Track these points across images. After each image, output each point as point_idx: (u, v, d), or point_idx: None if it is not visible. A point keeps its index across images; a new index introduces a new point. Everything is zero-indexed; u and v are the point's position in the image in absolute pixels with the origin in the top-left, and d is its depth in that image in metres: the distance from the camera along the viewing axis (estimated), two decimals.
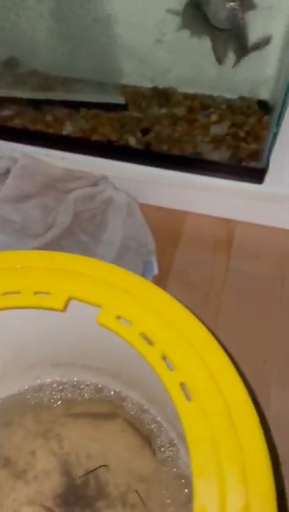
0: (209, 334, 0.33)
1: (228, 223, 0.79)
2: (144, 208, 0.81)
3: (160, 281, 0.73)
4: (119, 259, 0.76)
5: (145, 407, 0.53)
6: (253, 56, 0.70)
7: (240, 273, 0.73)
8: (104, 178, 0.78)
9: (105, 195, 0.78)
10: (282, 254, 0.75)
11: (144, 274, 0.73)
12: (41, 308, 0.34)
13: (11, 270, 0.35)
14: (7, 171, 0.78)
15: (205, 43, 0.69)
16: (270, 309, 0.70)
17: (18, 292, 0.34)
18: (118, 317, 0.33)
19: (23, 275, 0.35)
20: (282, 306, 0.70)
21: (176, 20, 0.67)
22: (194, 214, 0.81)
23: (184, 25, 0.63)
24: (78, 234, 0.79)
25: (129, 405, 0.52)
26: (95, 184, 0.79)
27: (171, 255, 0.77)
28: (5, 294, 0.34)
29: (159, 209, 0.82)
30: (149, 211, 0.81)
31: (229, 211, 0.78)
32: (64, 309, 0.34)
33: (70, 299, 0.34)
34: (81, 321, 0.35)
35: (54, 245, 0.77)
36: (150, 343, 0.31)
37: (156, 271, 0.73)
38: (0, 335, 0.41)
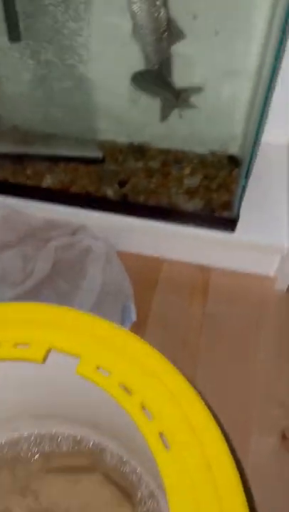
0: (187, 383, 0.34)
1: (204, 269, 0.82)
2: (122, 255, 0.83)
3: (139, 326, 0.74)
4: (99, 306, 0.77)
5: (125, 459, 0.52)
6: (221, 113, 0.76)
7: (216, 317, 0.75)
8: (83, 227, 0.81)
9: (84, 244, 0.80)
10: (256, 298, 0.78)
11: (122, 319, 0.74)
12: (21, 360, 0.34)
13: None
14: None
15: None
16: (247, 354, 0.71)
17: None
18: (97, 367, 0.34)
19: (1, 327, 0.36)
20: (258, 350, 0.71)
21: None
22: (170, 260, 0.83)
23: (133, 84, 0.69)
24: (58, 281, 0.80)
25: (109, 457, 0.52)
26: (74, 233, 0.81)
27: (149, 301, 0.79)
28: None
29: (137, 256, 0.84)
30: (126, 258, 0.83)
31: (204, 257, 0.81)
32: (44, 361, 0.34)
33: (49, 349, 0.35)
34: (60, 372, 0.35)
35: (33, 293, 0.77)
36: (129, 392, 0.32)
37: (134, 317, 0.74)
38: None
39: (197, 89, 0.70)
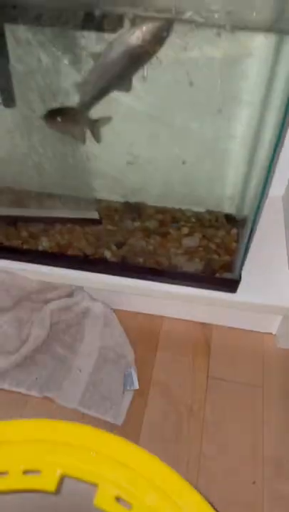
0: None
1: (205, 327, 0.80)
2: (121, 313, 0.81)
3: (141, 395, 0.71)
4: (98, 372, 0.74)
5: None
6: (215, 174, 0.75)
7: (221, 382, 0.73)
8: (80, 288, 0.78)
9: (81, 306, 0.77)
10: (260, 358, 0.76)
11: (124, 387, 0.71)
12: (32, 491, 0.32)
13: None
14: None
15: (173, 166, 0.74)
16: (254, 421, 0.68)
17: (5, 472, 0.32)
18: (117, 498, 0.31)
19: (9, 451, 0.33)
20: (265, 417, 0.69)
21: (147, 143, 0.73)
22: (171, 319, 0.81)
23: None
24: (54, 346, 0.76)
25: None
26: (71, 295, 0.79)
27: (150, 363, 0.76)
28: None
29: (136, 315, 0.82)
30: (125, 317, 0.81)
31: (205, 316, 0.79)
32: (56, 490, 0.32)
33: (62, 477, 0.32)
34: (76, 501, 0.32)
35: (29, 361, 0.74)
36: None
37: (137, 385, 0.71)
38: None
39: (107, 119, 0.68)
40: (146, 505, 0.30)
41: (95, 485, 0.32)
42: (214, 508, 0.31)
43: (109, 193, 0.79)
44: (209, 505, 0.30)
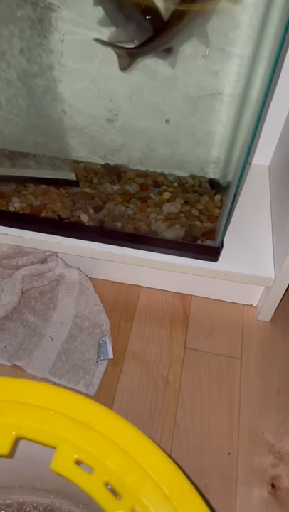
0: (187, 482, 0.28)
1: (184, 298, 0.78)
2: (97, 282, 0.77)
3: (116, 365, 0.68)
4: (71, 341, 0.70)
5: None
6: (201, 135, 0.71)
7: (198, 353, 0.71)
8: (54, 254, 0.74)
9: (55, 273, 0.73)
10: (239, 330, 0.74)
11: (98, 356, 0.68)
12: None
13: None
14: None
15: (156, 126, 0.70)
16: (231, 391, 0.67)
17: None
18: (77, 461, 0.28)
19: None
20: (242, 386, 0.67)
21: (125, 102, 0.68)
22: (149, 288, 0.78)
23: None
24: (25, 314, 0.73)
25: None
26: (44, 261, 0.75)
27: (126, 333, 0.73)
28: None
29: (113, 284, 0.78)
30: (101, 286, 0.78)
31: (184, 286, 0.77)
32: (10, 454, 0.28)
33: (18, 439, 0.29)
34: (31, 463, 0.29)
35: None
36: (117, 494, 0.26)
37: (111, 355, 0.68)
38: None
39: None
40: (109, 468, 0.27)
41: (53, 448, 0.28)
42: (188, 478, 0.29)
43: (88, 153, 0.75)
44: (174, 464, 0.27)
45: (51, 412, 0.30)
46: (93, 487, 0.27)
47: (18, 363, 0.66)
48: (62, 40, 0.61)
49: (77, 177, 0.73)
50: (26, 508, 0.47)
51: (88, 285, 0.74)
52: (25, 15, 0.60)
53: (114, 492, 0.27)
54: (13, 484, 0.44)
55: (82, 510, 0.46)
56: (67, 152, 0.74)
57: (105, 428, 0.29)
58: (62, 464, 0.27)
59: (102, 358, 0.68)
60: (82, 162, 0.75)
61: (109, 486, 0.27)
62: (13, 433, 0.28)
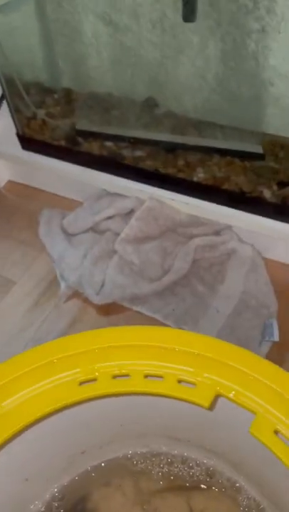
0: None
1: None
2: (270, 262, 0.74)
3: (280, 350, 0.66)
4: (236, 316, 0.70)
5: (262, 506, 0.46)
6: None
7: None
8: (229, 227, 0.74)
9: (228, 246, 0.74)
10: None
11: (262, 338, 0.67)
12: (184, 401, 0.30)
13: (156, 350, 0.32)
14: (131, 211, 0.78)
15: None
16: None
17: (161, 377, 0.31)
18: (276, 431, 0.28)
19: (166, 358, 0.31)
20: None
21: None
22: None
23: None
24: (194, 283, 0.75)
25: (245, 501, 0.46)
26: (218, 233, 0.75)
27: None
28: (147, 376, 0.31)
29: (287, 267, 0.75)
30: (274, 267, 0.75)
31: None
32: (210, 407, 0.30)
33: (217, 396, 0.30)
34: (229, 421, 0.30)
35: (168, 291, 0.74)
36: None
37: (276, 337, 0.66)
38: (115, 410, 0.38)
39: None
40: None
41: (252, 413, 0.29)
42: None
43: (278, 125, 0.71)
44: None
45: (251, 378, 0.30)
46: None
47: (185, 328, 0.69)
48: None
49: (263, 150, 0.71)
50: (190, 463, 0.49)
51: (260, 263, 0.72)
52: None
53: None
54: (186, 438, 0.47)
55: (243, 480, 0.46)
56: (258, 125, 0.72)
57: None
58: (262, 431, 0.28)
59: (267, 339, 0.66)
60: (269, 135, 0.72)
61: None
62: (217, 389, 0.30)
